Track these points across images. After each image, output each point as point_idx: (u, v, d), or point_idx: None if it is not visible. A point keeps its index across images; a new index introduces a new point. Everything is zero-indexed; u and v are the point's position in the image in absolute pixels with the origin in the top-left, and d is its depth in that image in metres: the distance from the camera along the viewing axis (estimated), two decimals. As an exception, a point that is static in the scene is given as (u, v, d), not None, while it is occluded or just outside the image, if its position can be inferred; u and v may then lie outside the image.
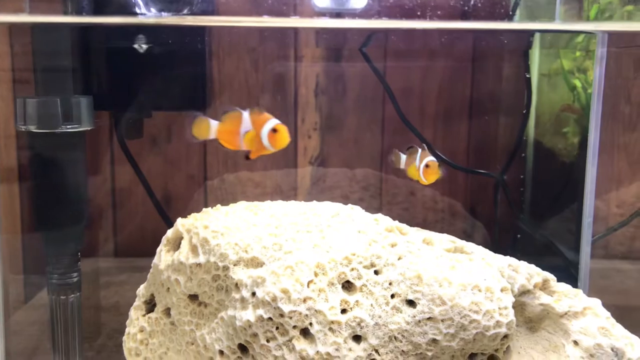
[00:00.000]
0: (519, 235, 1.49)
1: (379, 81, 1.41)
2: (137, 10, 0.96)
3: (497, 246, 1.49)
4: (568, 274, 1.25)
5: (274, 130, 0.87)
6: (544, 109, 1.53)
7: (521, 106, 1.49)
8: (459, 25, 1.16)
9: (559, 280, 0.89)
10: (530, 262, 0.88)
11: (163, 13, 0.87)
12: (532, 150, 1.56)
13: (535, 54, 1.53)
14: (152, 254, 1.01)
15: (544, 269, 0.88)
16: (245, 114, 0.89)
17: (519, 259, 0.87)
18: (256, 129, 0.88)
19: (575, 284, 1.05)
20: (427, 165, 0.98)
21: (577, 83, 1.43)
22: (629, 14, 1.32)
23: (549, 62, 1.52)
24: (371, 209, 0.97)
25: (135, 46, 1.08)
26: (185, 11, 1.00)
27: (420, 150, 1.04)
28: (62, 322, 1.09)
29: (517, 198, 1.54)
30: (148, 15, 0.88)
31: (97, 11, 0.98)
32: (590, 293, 0.89)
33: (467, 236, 1.27)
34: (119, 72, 1.17)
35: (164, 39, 1.12)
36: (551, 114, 1.51)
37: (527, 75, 1.42)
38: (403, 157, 1.09)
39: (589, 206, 1.12)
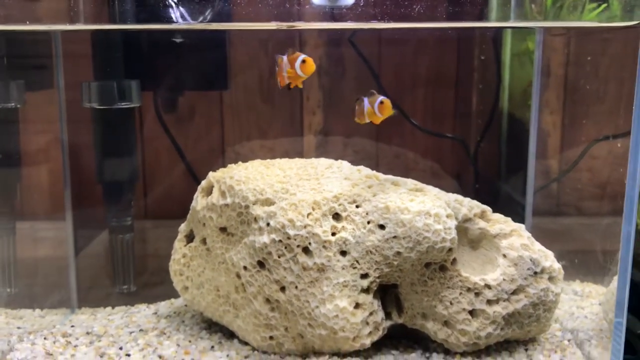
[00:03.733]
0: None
1: (364, 64, 1.66)
2: (172, 14, 1.24)
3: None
4: (521, 218, 1.53)
5: (303, 61, 1.06)
6: (515, 84, 1.79)
7: (493, 82, 1.75)
8: (430, 25, 1.37)
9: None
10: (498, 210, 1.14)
11: (192, 20, 1.14)
12: (505, 119, 1.83)
13: (507, 37, 1.79)
14: (178, 216, 1.27)
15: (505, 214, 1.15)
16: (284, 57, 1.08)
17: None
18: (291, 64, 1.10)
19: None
20: (381, 102, 1.04)
21: (539, 61, 1.69)
22: (575, 2, 1.58)
23: (518, 43, 1.78)
24: (361, 168, 1.23)
25: (174, 39, 1.37)
26: (207, 11, 1.28)
27: (366, 97, 1.07)
28: (121, 256, 1.40)
29: (495, 159, 1.81)
30: (180, 23, 1.16)
31: (139, 19, 1.25)
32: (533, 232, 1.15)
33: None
34: (160, 60, 1.46)
35: (194, 34, 1.40)
36: (520, 89, 1.78)
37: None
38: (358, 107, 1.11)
39: (531, 163, 1.40)
